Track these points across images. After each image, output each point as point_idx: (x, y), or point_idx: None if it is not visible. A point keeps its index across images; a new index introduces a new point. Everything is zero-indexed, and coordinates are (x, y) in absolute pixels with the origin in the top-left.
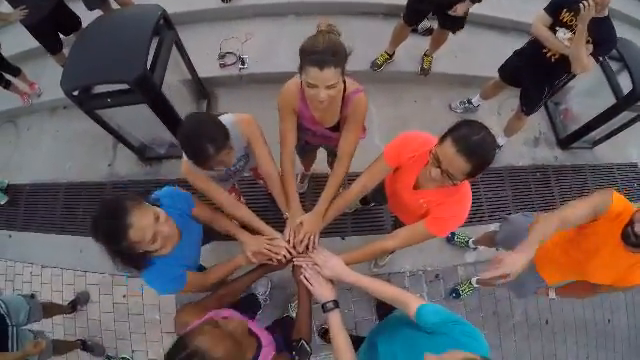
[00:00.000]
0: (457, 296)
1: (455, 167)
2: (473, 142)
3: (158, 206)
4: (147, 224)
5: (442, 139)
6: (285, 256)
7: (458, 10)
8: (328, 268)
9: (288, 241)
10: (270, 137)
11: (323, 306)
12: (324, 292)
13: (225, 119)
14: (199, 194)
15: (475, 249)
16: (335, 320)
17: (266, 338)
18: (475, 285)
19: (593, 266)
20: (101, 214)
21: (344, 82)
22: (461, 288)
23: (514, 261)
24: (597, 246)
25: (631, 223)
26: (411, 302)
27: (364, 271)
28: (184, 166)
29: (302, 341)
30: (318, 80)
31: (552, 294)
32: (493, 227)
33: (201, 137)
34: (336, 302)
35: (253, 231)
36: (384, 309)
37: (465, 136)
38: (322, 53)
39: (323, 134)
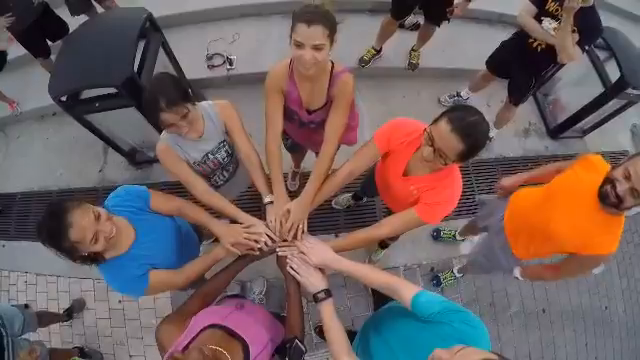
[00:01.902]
0: (438, 284)
1: (449, 146)
2: (468, 123)
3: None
4: (87, 223)
5: (437, 119)
6: (267, 243)
7: (457, 11)
8: (315, 255)
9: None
10: (259, 134)
11: (314, 297)
12: (314, 281)
13: (202, 102)
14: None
15: (463, 240)
16: (328, 311)
17: (263, 336)
18: (457, 274)
19: (558, 225)
20: (44, 216)
21: (332, 63)
22: (442, 276)
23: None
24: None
25: (609, 182)
26: (406, 290)
27: None
28: (159, 144)
29: (296, 341)
30: (304, 36)
31: (517, 272)
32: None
33: (155, 88)
34: (328, 291)
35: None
36: (379, 297)
37: (461, 117)
38: (312, 12)
39: (310, 120)
